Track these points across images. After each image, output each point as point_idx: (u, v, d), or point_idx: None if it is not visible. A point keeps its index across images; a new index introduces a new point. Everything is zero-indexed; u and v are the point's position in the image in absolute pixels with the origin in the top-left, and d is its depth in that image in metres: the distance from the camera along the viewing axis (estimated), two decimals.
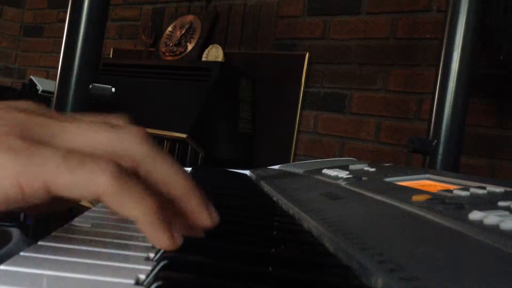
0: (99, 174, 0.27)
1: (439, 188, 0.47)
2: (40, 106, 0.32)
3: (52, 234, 0.34)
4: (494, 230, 0.29)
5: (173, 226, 0.29)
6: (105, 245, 0.32)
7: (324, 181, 0.64)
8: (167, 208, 0.31)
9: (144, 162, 0.30)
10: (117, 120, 0.33)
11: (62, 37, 1.20)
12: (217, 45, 2.43)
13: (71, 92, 1.16)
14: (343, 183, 0.57)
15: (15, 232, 0.62)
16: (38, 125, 0.29)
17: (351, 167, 0.70)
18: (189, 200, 0.31)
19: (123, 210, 0.28)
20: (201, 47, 2.48)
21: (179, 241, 0.29)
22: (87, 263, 0.29)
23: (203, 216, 0.32)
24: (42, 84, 2.71)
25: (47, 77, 3.31)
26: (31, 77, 2.80)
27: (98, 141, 0.29)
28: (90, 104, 1.19)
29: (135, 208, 0.28)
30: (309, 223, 0.42)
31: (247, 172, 1.00)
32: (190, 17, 2.63)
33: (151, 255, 0.31)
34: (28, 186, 0.27)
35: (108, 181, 0.27)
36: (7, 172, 0.27)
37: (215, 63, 2.29)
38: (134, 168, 0.30)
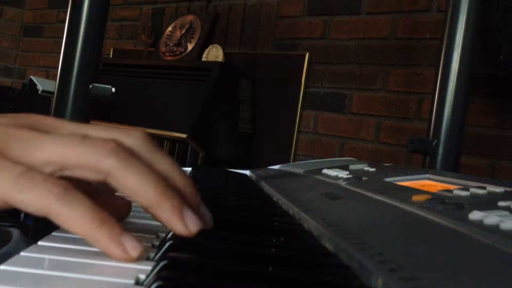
0: (44, 196, 0.29)
1: (439, 188, 0.47)
2: (39, 118, 0.35)
3: (52, 234, 0.34)
4: (494, 230, 0.29)
5: (125, 236, 0.30)
6: None
7: (324, 181, 0.64)
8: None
9: (111, 174, 0.31)
10: (101, 131, 0.34)
11: (62, 37, 1.20)
12: (217, 45, 2.43)
13: (71, 92, 1.16)
14: (343, 183, 0.57)
15: (15, 232, 0.62)
16: (17, 140, 0.32)
17: (351, 167, 0.70)
18: (156, 210, 0.32)
19: (69, 228, 0.30)
20: (201, 47, 2.48)
21: (133, 252, 0.30)
22: (87, 263, 0.29)
23: (174, 225, 0.32)
24: (42, 84, 2.71)
25: (47, 77, 3.31)
26: (31, 77, 2.80)
27: (68, 155, 0.31)
28: (90, 104, 1.19)
29: (76, 227, 0.30)
30: (309, 223, 0.42)
31: (247, 172, 1.00)
32: (190, 17, 2.63)
33: (151, 255, 0.31)
34: None
35: (53, 203, 0.29)
36: None
37: (215, 63, 2.29)
38: (102, 180, 0.32)
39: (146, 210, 0.32)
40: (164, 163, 0.34)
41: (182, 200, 0.32)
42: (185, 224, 0.32)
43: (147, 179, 0.32)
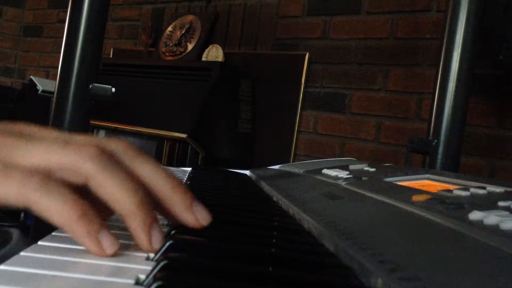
0: (22, 187, 0.30)
1: (439, 188, 0.47)
2: (24, 126, 0.35)
3: (52, 234, 0.34)
4: (494, 230, 0.29)
5: (103, 233, 0.30)
6: None
7: (324, 181, 0.64)
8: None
9: (91, 178, 0.32)
10: (83, 139, 0.34)
11: (62, 37, 1.20)
12: (217, 45, 2.43)
13: (71, 92, 1.16)
14: (343, 183, 0.57)
15: (15, 232, 0.62)
16: (1, 148, 0.32)
17: (351, 167, 0.70)
18: (129, 221, 0.32)
19: (49, 219, 0.30)
20: (201, 47, 2.48)
21: (109, 249, 0.30)
22: (87, 263, 0.29)
23: (140, 239, 0.32)
24: (42, 84, 2.71)
25: (47, 77, 3.31)
26: (31, 77, 2.80)
27: (50, 158, 0.32)
28: (90, 104, 1.19)
29: (58, 216, 0.30)
30: (309, 223, 0.42)
31: (247, 172, 1.00)
32: (190, 17, 2.63)
33: (151, 255, 0.31)
34: None
35: (31, 192, 0.30)
36: None
37: (215, 63, 2.29)
38: (83, 183, 0.32)
39: (119, 216, 0.33)
40: (147, 168, 0.34)
41: (154, 217, 0.33)
42: (150, 240, 0.32)
43: (125, 188, 0.32)
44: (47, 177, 0.31)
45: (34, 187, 0.30)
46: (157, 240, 0.32)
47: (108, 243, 0.30)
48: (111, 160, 0.32)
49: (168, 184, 0.35)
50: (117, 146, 0.34)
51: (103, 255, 0.30)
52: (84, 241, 0.30)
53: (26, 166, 0.31)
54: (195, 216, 0.34)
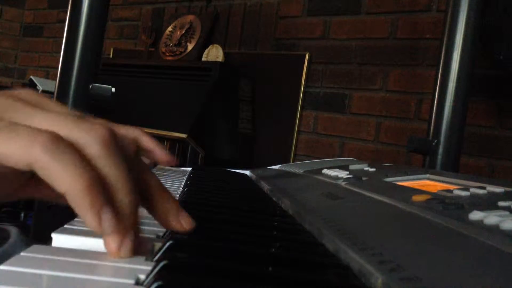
0: (30, 144, 0.27)
1: (439, 188, 0.47)
2: (34, 95, 0.33)
3: (53, 234, 0.34)
4: (494, 230, 0.29)
5: (106, 212, 0.28)
6: None
7: (324, 181, 0.64)
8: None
9: (96, 159, 0.29)
10: (92, 119, 0.32)
11: (62, 37, 1.20)
12: (217, 45, 2.43)
13: (71, 92, 1.16)
14: (343, 183, 0.57)
15: (13, 230, 0.62)
16: (12, 110, 0.30)
17: (351, 167, 0.70)
18: (124, 217, 0.30)
19: (53, 183, 0.28)
20: (201, 47, 2.48)
21: (108, 228, 0.28)
22: (87, 263, 0.29)
23: (88, 218, 0.29)
24: (42, 84, 2.71)
25: (47, 77, 3.31)
26: (31, 77, 2.80)
27: (58, 129, 0.29)
28: (90, 104, 1.19)
29: (64, 181, 0.28)
30: (309, 223, 0.42)
31: (247, 172, 1.00)
32: (190, 17, 2.63)
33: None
34: None
35: (39, 151, 0.27)
36: None
37: (215, 63, 2.29)
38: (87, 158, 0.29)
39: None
40: (112, 171, 0.31)
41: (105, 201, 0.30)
42: (99, 222, 0.29)
43: (125, 181, 0.30)
44: (58, 138, 0.28)
45: (42, 147, 0.27)
46: (108, 223, 0.29)
47: (107, 222, 0.28)
48: (116, 149, 0.30)
49: (126, 193, 0.31)
50: (92, 139, 0.30)
51: (99, 231, 0.29)
52: (84, 213, 0.28)
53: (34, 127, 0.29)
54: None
